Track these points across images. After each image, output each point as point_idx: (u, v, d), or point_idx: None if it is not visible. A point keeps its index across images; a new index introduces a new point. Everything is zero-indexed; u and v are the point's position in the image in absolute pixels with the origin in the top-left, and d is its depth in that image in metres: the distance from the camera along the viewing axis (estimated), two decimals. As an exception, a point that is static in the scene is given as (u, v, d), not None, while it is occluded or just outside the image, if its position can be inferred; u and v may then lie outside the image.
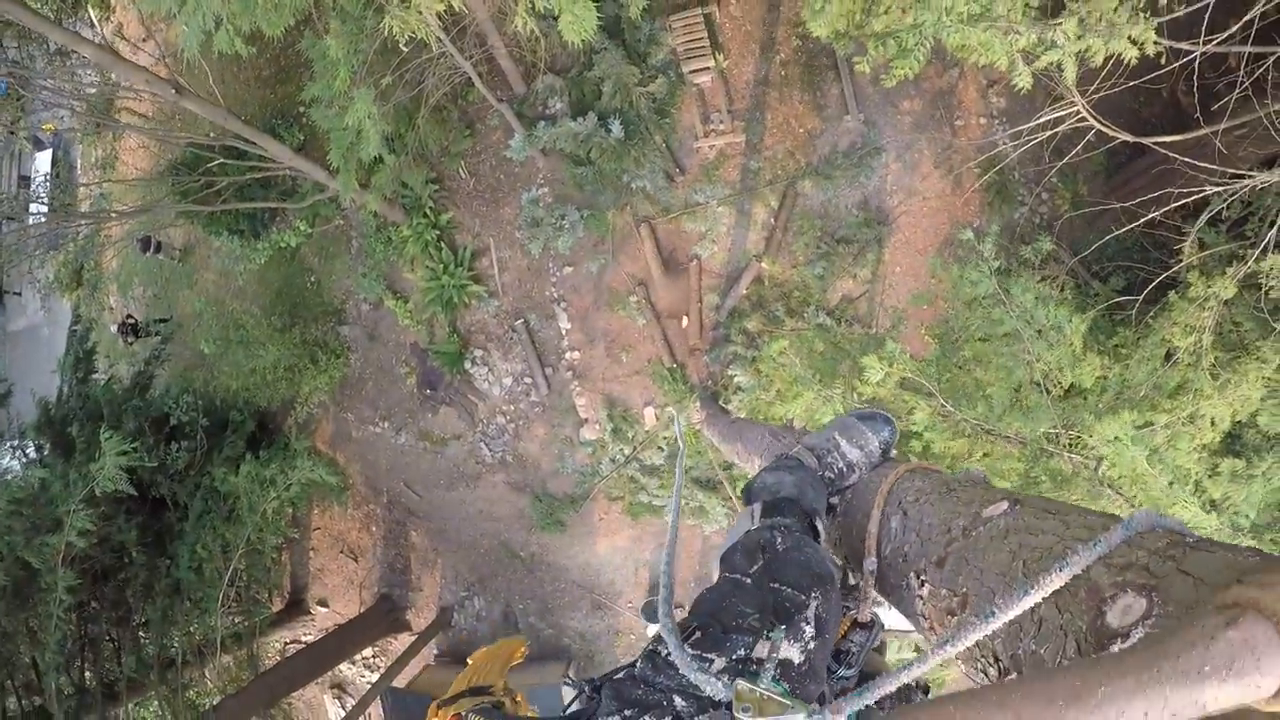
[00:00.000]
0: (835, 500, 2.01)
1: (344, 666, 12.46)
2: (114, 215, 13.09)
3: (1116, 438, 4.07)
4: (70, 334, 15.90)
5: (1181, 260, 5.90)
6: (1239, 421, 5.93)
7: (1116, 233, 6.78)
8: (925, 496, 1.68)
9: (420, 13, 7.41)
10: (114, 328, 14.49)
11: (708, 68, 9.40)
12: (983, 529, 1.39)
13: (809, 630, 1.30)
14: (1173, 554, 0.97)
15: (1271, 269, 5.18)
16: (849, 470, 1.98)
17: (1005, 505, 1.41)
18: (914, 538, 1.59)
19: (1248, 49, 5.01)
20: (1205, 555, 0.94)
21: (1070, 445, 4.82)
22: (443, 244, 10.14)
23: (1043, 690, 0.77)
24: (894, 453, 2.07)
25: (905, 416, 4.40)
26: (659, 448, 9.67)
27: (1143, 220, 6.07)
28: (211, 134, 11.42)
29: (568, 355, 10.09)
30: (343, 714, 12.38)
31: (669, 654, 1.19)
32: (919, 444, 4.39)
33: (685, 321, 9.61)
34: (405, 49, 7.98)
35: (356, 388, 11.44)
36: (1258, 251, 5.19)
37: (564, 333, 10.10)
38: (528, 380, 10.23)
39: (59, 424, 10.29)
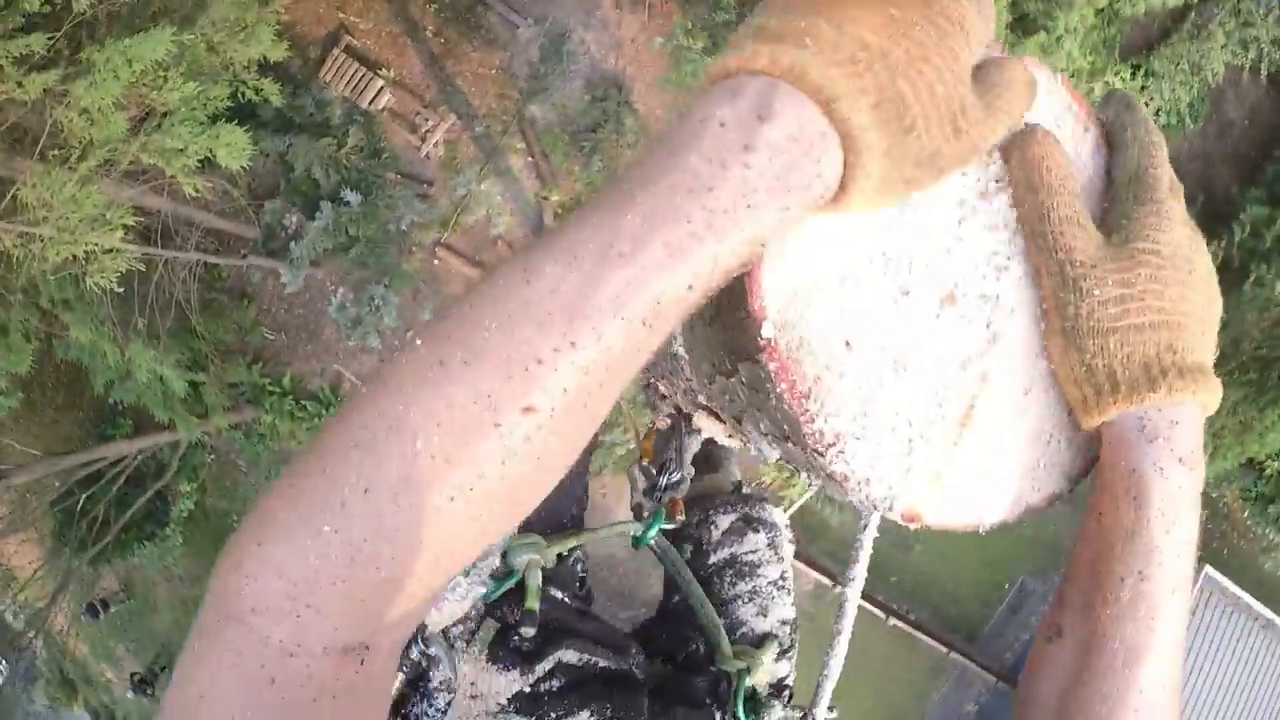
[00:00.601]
0: None
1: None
2: (45, 611, 12.75)
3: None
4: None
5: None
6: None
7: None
8: None
9: (115, 251, 7.15)
10: (129, 694, 14.25)
11: (380, 88, 9.26)
12: None
13: None
14: None
15: None
16: None
17: None
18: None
19: None
20: None
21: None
22: (303, 402, 9.99)
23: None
24: None
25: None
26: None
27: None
28: (57, 483, 11.18)
29: (469, 398, 10.03)
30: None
31: None
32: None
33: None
34: (122, 286, 7.63)
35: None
36: None
37: (452, 384, 10.02)
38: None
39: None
